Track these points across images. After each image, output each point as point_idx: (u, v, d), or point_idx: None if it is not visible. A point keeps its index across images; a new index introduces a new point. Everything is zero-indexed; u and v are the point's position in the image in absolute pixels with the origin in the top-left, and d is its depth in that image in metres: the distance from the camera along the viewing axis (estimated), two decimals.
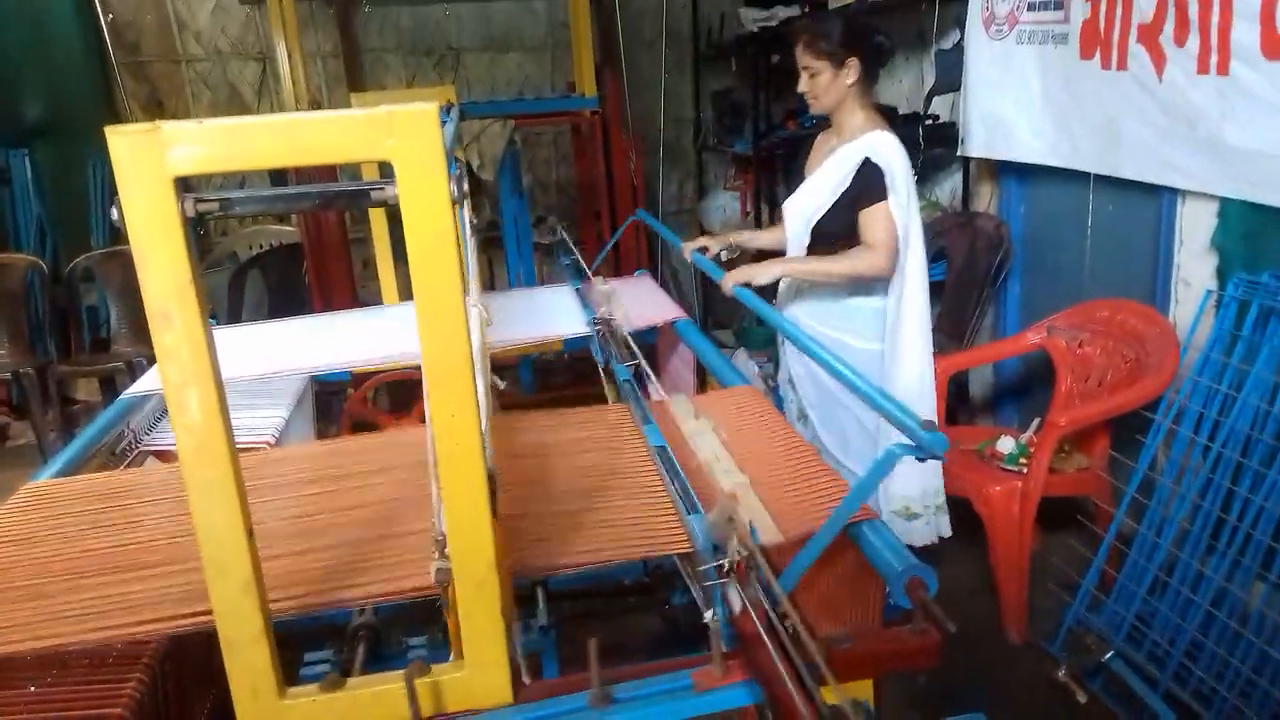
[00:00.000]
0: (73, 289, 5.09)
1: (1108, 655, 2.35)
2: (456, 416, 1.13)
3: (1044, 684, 2.44)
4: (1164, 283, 2.89)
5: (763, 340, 5.03)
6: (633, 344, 2.38)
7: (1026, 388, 3.80)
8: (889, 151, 2.44)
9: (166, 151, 0.99)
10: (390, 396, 3.99)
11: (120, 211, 1.01)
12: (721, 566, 1.32)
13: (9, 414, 5.30)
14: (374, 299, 5.28)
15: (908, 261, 2.47)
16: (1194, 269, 2.77)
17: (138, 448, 2.52)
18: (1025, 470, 2.68)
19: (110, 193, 5.62)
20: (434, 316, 1.10)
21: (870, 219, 2.44)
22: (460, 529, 1.18)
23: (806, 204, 2.56)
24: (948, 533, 2.57)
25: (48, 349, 5.11)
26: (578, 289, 3.33)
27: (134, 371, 4.68)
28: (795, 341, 2.05)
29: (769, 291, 2.72)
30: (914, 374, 2.50)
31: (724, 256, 2.85)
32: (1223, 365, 2.42)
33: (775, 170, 5.41)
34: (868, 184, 2.42)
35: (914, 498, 2.53)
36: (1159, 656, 2.35)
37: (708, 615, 1.31)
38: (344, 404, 3.64)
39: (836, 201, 2.47)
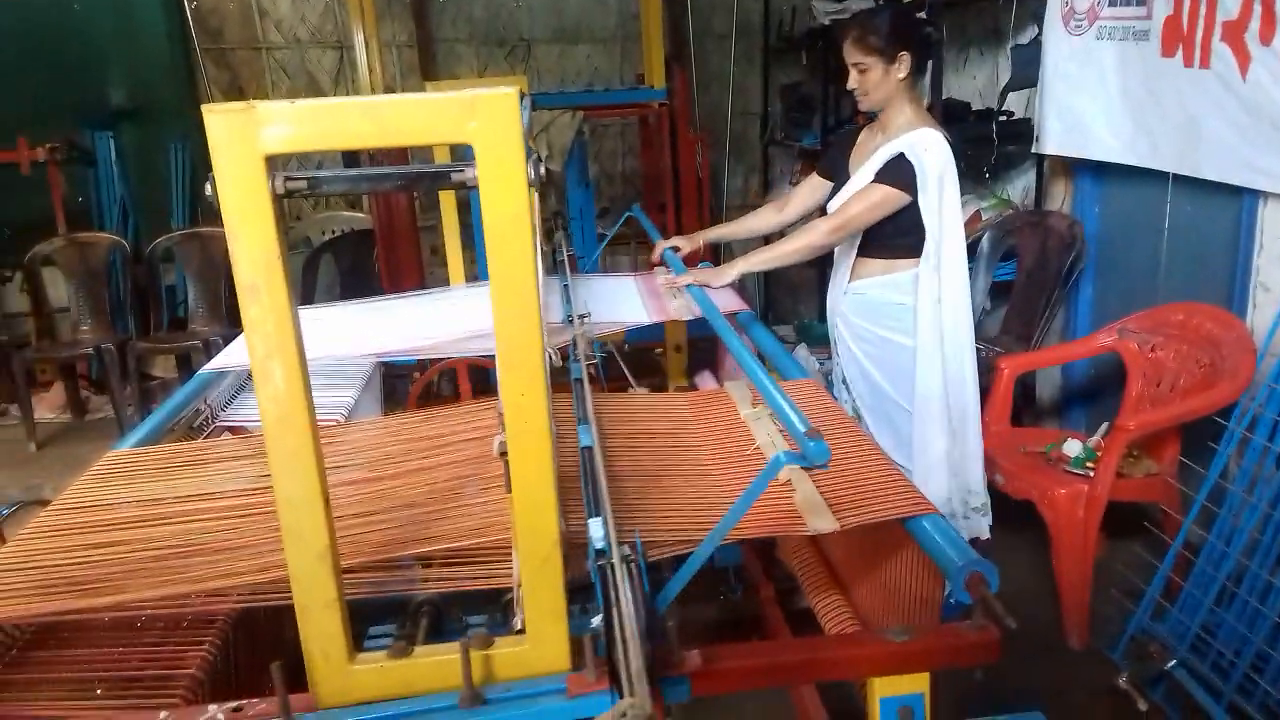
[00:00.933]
0: (153, 268, 5.25)
1: (1171, 664, 2.31)
2: (526, 396, 1.16)
3: (1104, 690, 2.40)
4: (1241, 287, 2.82)
5: (823, 336, 5.01)
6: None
7: (1095, 391, 3.74)
8: (930, 150, 2.41)
9: (259, 130, 1.03)
10: (452, 382, 4.05)
11: (214, 188, 1.05)
12: (603, 567, 1.29)
13: (88, 388, 5.49)
14: (441, 285, 5.38)
15: (942, 261, 2.44)
16: (1273, 273, 2.71)
17: (214, 423, 2.59)
18: (1092, 474, 2.64)
19: (190, 176, 5.84)
20: (507, 298, 1.12)
21: (859, 193, 2.47)
22: (526, 506, 1.20)
23: (844, 203, 2.55)
24: (986, 535, 2.54)
25: (127, 326, 5.28)
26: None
27: (209, 349, 4.82)
28: (725, 338, 2.07)
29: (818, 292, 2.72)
30: (964, 375, 2.48)
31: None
32: None
33: None
34: (888, 170, 2.43)
35: (941, 500, 2.51)
36: (1223, 667, 2.31)
37: (595, 620, 1.28)
38: (410, 388, 3.71)
39: None
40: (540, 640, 1.26)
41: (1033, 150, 3.69)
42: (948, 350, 2.43)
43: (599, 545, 1.29)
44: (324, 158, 5.02)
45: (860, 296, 2.60)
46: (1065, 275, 3.58)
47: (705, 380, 3.51)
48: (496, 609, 2.30)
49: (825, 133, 5.00)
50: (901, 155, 2.40)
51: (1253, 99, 2.63)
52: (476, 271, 3.90)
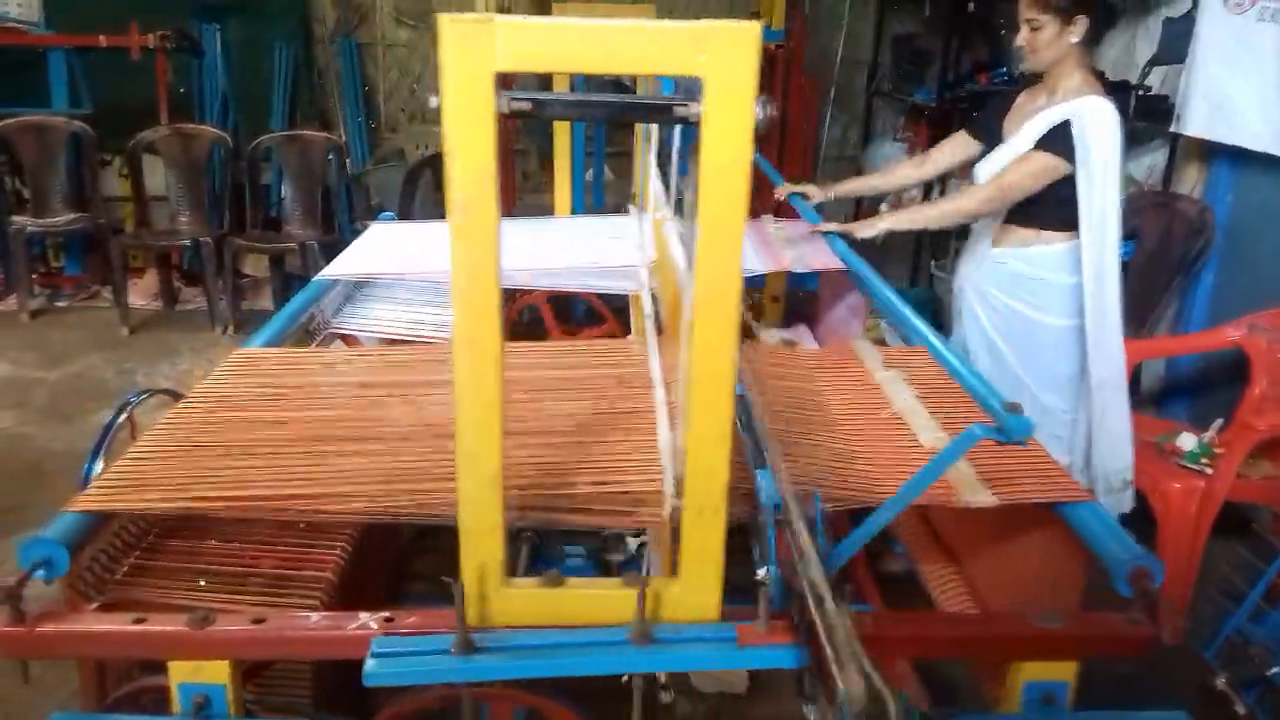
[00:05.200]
0: (252, 166, 5.28)
1: (1273, 670, 2.26)
2: (717, 342, 1.14)
3: (1199, 690, 2.36)
4: None
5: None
6: None
7: (1201, 385, 3.62)
8: (1098, 121, 2.31)
9: (493, 45, 1.01)
10: (533, 313, 4.01)
11: (440, 99, 1.03)
12: (779, 525, 1.27)
13: (180, 278, 5.58)
14: (529, 211, 5.35)
15: (1104, 241, 2.36)
16: None
17: (326, 329, 2.62)
18: (1209, 470, 2.56)
19: (291, 76, 5.83)
20: (715, 238, 1.09)
21: (1018, 160, 2.39)
22: (701, 453, 1.19)
23: (1001, 169, 2.47)
24: (1128, 508, 2.50)
25: (223, 221, 5.34)
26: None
27: (305, 253, 4.87)
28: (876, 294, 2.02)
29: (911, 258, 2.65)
30: (1111, 358, 2.41)
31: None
32: None
33: (956, 125, 5.20)
34: (1050, 137, 2.34)
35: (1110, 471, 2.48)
36: None
37: (760, 572, 1.28)
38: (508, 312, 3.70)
39: None
40: (695, 586, 1.26)
41: (1171, 129, 3.54)
42: (1098, 330, 2.36)
43: (774, 499, 1.27)
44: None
45: (1001, 266, 2.53)
46: (1188, 262, 3.46)
47: (802, 334, 3.47)
48: (594, 543, 2.32)
49: (942, 89, 4.84)
50: (1066, 123, 2.31)
51: None
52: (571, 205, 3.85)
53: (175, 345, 4.75)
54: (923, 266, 5.03)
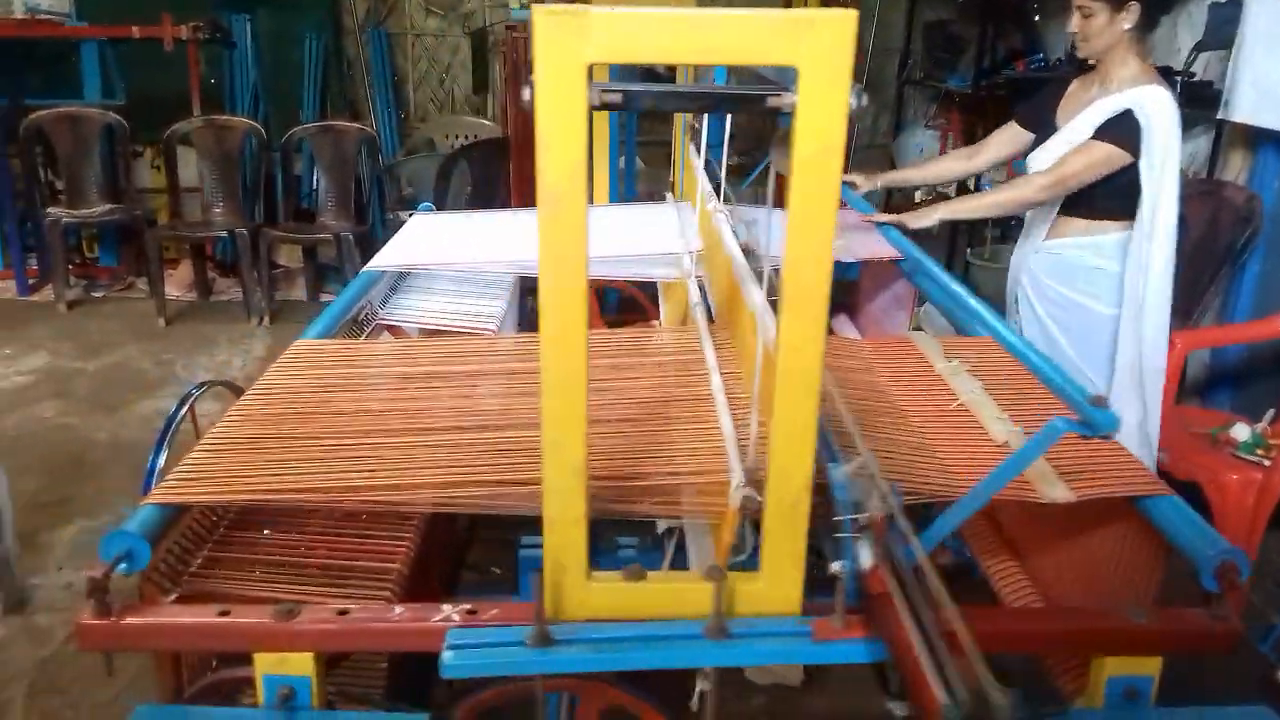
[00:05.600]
0: (287, 158, 5.30)
1: None
2: (806, 334, 1.13)
3: (1256, 681, 2.34)
4: None
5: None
6: None
7: (1247, 375, 3.59)
8: (1158, 110, 2.29)
9: (586, 36, 1.00)
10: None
11: (531, 93, 1.02)
12: (857, 521, 1.25)
13: (215, 269, 5.60)
14: None
15: (1155, 227, 2.33)
16: None
17: (375, 320, 2.62)
18: (1265, 461, 2.54)
19: (321, 67, 5.84)
20: (807, 232, 1.08)
21: (1078, 150, 2.36)
22: (785, 448, 1.18)
23: (1059, 156, 2.44)
24: None
25: (258, 212, 5.36)
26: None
27: (340, 244, 4.88)
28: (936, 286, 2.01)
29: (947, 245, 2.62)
30: (1155, 348, 2.38)
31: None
32: None
33: (990, 112, 5.15)
34: (1112, 127, 2.32)
35: None
36: None
37: (834, 566, 1.26)
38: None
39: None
40: (777, 580, 1.25)
41: (1218, 116, 3.49)
42: (1147, 321, 2.33)
43: (852, 493, 1.26)
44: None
45: (1056, 256, 2.51)
46: (1235, 251, 3.42)
47: (842, 325, 3.44)
48: (647, 535, 2.31)
49: (978, 77, 4.80)
50: (1129, 111, 2.29)
51: None
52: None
53: (212, 336, 4.77)
54: (959, 254, 4.99)
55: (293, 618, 1.21)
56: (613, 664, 1.23)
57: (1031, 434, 1.61)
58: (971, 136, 5.21)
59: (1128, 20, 2.29)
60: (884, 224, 2.56)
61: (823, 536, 1.32)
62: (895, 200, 5.47)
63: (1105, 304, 2.44)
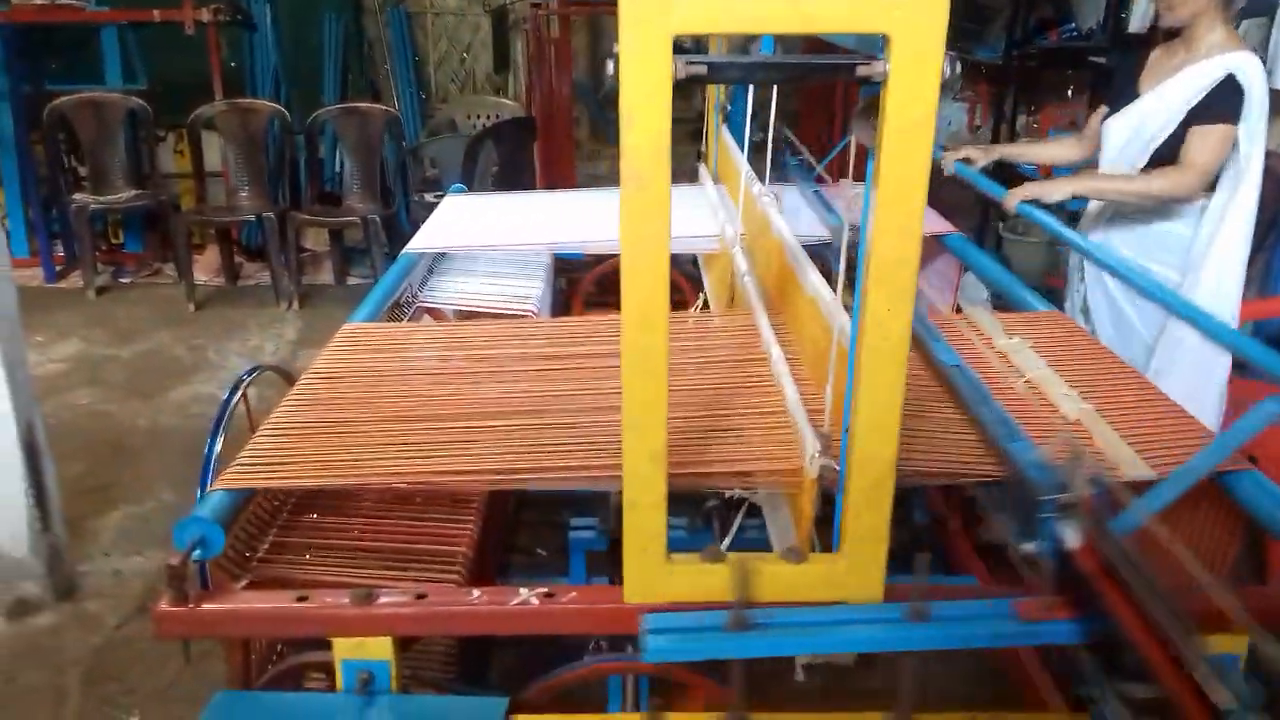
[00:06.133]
0: (311, 141, 5.28)
1: None
2: (893, 311, 1.10)
3: None
4: None
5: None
6: None
7: None
8: (1256, 75, 2.26)
9: (671, 8, 0.97)
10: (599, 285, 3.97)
11: (616, 67, 0.99)
12: (1063, 501, 1.25)
13: (241, 253, 5.60)
14: (588, 181, 5.31)
15: (1238, 194, 2.29)
16: None
17: (415, 303, 2.61)
18: None
19: (342, 49, 5.81)
20: (896, 201, 1.06)
21: (1200, 136, 2.29)
22: (869, 427, 1.16)
23: (1144, 123, 2.39)
24: None
25: (284, 195, 5.34)
26: (815, 191, 3.19)
27: (367, 227, 4.87)
28: (1105, 266, 1.97)
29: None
30: (1220, 314, 2.33)
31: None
32: None
33: (1022, 83, 5.06)
34: (1220, 101, 2.26)
35: None
36: None
37: (1027, 546, 1.26)
38: (577, 285, 3.68)
39: (1184, 120, 2.30)
40: (859, 562, 1.23)
41: None
42: (1220, 290, 2.30)
43: (1045, 472, 1.25)
44: None
45: (1138, 225, 2.46)
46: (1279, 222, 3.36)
47: None
48: (698, 514, 2.29)
49: (1009, 47, 4.72)
50: (1231, 77, 2.24)
51: None
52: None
53: (242, 321, 4.77)
54: (989, 228, 4.93)
55: (372, 602, 1.20)
56: (809, 648, 1.22)
57: (1103, 411, 1.59)
58: (1000, 109, 5.14)
59: None
60: (1025, 202, 2.46)
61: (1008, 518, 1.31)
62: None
63: (1174, 269, 2.39)
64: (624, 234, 1.06)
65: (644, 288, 1.08)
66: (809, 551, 1.29)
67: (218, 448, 1.76)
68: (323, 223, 5.19)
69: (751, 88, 2.64)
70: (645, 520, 1.19)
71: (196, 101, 5.23)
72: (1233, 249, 2.32)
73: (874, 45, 1.05)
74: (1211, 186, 2.32)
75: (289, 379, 1.99)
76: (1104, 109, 2.60)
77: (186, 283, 4.94)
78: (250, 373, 1.98)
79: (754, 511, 1.64)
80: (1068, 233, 2.36)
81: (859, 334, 1.13)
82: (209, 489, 1.38)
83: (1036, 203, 2.44)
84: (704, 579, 1.24)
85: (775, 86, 2.11)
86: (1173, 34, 2.39)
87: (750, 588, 1.19)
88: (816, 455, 1.29)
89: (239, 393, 1.88)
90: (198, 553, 1.25)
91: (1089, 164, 2.76)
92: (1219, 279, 2.34)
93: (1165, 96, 2.33)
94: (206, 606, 1.21)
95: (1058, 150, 2.87)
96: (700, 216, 2.83)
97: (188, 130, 5.20)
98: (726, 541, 1.71)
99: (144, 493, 3.07)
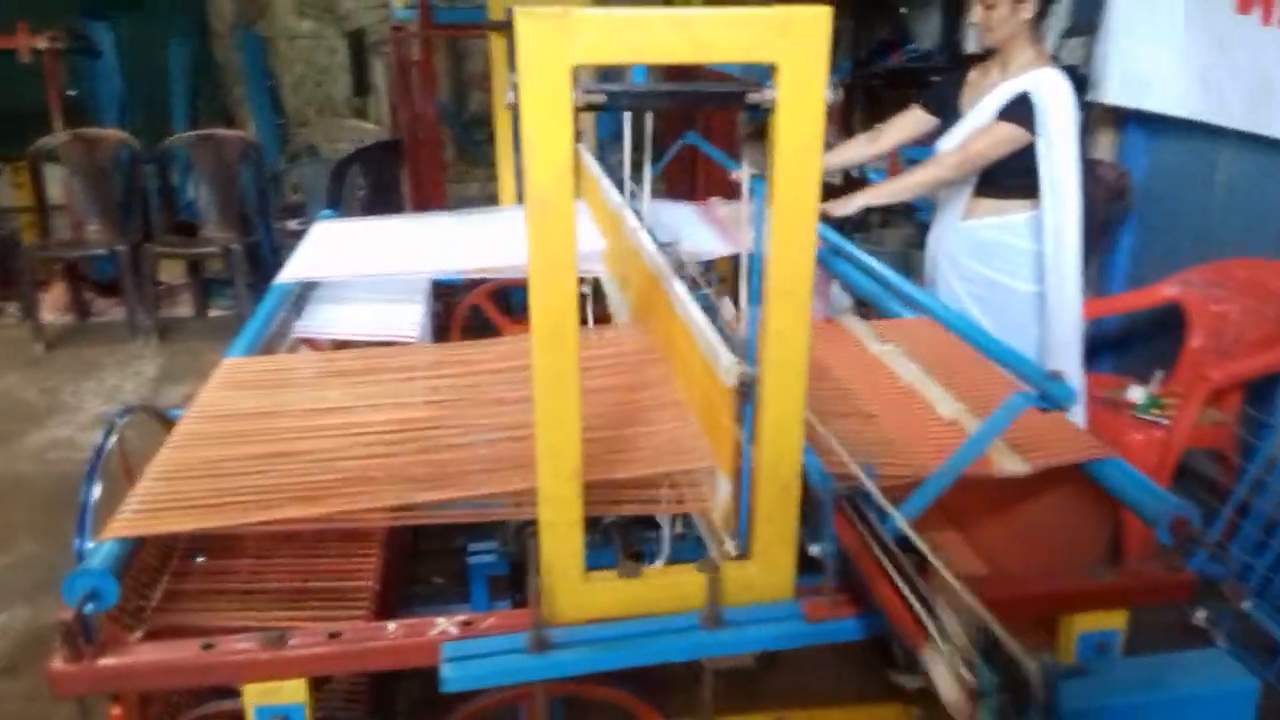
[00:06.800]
0: (163, 170, 5.07)
1: (1245, 603, 2.41)
2: (792, 324, 1.16)
3: (1179, 628, 2.49)
4: None
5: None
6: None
7: (1125, 340, 3.80)
8: (1053, 92, 2.42)
9: (571, 38, 1.00)
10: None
11: (515, 94, 1.01)
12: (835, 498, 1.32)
13: (92, 289, 5.32)
14: (459, 203, 5.26)
15: (1063, 207, 2.46)
16: None
17: (291, 333, 2.54)
18: (1163, 420, 2.71)
19: (192, 75, 5.61)
20: (790, 227, 1.11)
21: (982, 131, 2.48)
22: (775, 433, 1.20)
23: (965, 139, 2.55)
24: None
25: (137, 228, 5.11)
26: (684, 208, 3.24)
27: (228, 257, 4.71)
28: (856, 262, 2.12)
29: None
30: (1069, 320, 2.52)
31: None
32: None
33: (868, 102, 5.29)
34: (1010, 110, 2.44)
35: None
36: None
37: (815, 548, 1.32)
38: (456, 308, 3.65)
39: None
40: (770, 566, 1.28)
41: (1087, 98, 3.68)
42: (1058, 294, 2.46)
43: (825, 479, 1.30)
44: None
45: (971, 235, 2.62)
46: (1111, 225, 3.62)
47: None
48: (597, 531, 2.31)
49: (855, 67, 4.94)
50: (1025, 95, 2.41)
51: None
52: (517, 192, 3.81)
53: (97, 360, 4.54)
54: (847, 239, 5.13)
55: (284, 644, 1.18)
56: (610, 663, 1.23)
57: (976, 411, 1.69)
58: (849, 128, 5.36)
59: (1027, 10, 2.42)
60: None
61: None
62: None
63: (1022, 281, 2.57)
64: (532, 258, 1.08)
65: (553, 310, 1.10)
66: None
67: (95, 494, 1.68)
68: (180, 254, 5.00)
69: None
70: (563, 540, 1.21)
71: (35, 132, 4.96)
72: (1066, 254, 2.48)
73: (761, 73, 1.10)
74: (1031, 196, 2.48)
75: (161, 419, 1.92)
76: (916, 109, 2.80)
77: (33, 322, 4.67)
78: (122, 414, 1.90)
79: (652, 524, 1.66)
80: (848, 246, 2.50)
81: (761, 346, 1.18)
82: (98, 538, 1.32)
83: (827, 218, 2.57)
84: (625, 594, 1.26)
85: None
86: (991, 54, 2.57)
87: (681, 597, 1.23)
88: (733, 364, 1.25)
89: (112, 436, 1.80)
90: (90, 606, 1.20)
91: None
92: (1060, 282, 2.51)
93: (983, 112, 2.51)
94: (105, 661, 1.16)
95: (852, 151, 3.03)
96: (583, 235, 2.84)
97: (29, 162, 4.92)
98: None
99: (7, 543, 2.88)
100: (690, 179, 5.21)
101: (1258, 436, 2.68)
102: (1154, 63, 3.37)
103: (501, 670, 1.20)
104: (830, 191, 3.10)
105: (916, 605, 1.07)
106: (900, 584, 1.13)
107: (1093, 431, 2.68)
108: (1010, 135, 2.43)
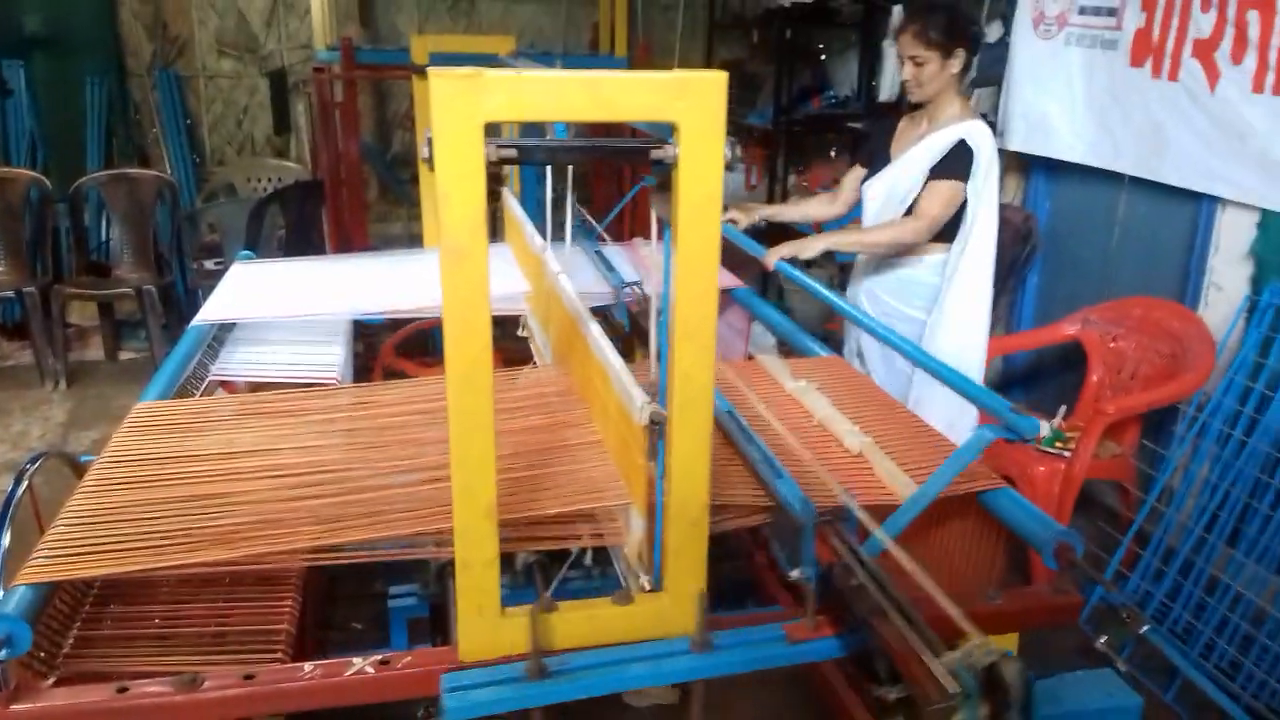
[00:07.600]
0: (76, 209, 4.97)
1: (1144, 628, 2.52)
2: (697, 364, 1.21)
3: (1080, 652, 2.58)
4: (1195, 285, 3.05)
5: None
6: None
7: (1032, 376, 3.97)
8: (983, 140, 2.57)
9: (483, 97, 1.05)
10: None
11: (431, 150, 1.06)
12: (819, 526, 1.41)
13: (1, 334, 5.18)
14: (381, 243, 5.26)
15: (969, 244, 2.58)
16: (1227, 274, 2.94)
17: (207, 377, 2.52)
18: (1066, 453, 2.83)
19: (106, 114, 5.52)
20: (693, 275, 1.17)
21: (933, 190, 2.58)
22: (683, 472, 1.26)
23: (895, 185, 2.66)
24: None
25: (46, 269, 4.99)
26: (597, 251, 3.27)
27: (142, 298, 4.63)
28: (855, 321, 2.21)
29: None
30: (955, 351, 2.60)
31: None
32: (1256, 365, 2.61)
33: (790, 148, 5.42)
34: (954, 161, 2.55)
35: None
36: (1178, 633, 2.54)
37: (794, 573, 1.40)
38: (378, 349, 3.65)
39: (926, 180, 2.59)
40: (680, 598, 1.32)
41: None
42: (968, 329, 2.57)
43: (807, 506, 1.37)
44: None
45: (892, 273, 2.73)
46: (1018, 266, 3.79)
47: None
48: (517, 571, 2.35)
49: (777, 113, 5.08)
50: (962, 142, 2.53)
51: (1220, 112, 2.84)
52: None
53: (3, 405, 4.41)
54: (773, 279, 5.26)
55: (198, 687, 1.18)
56: (609, 687, 1.28)
57: (879, 443, 1.77)
58: (773, 169, 5.50)
59: (955, 66, 2.55)
60: (781, 260, 2.63)
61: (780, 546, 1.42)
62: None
63: (924, 312, 2.68)
64: (447, 303, 1.12)
65: (467, 353, 1.14)
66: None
67: (5, 542, 1.65)
68: (91, 295, 4.88)
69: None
70: (479, 579, 1.24)
71: None
72: (973, 292, 2.61)
73: (666, 130, 1.17)
74: (950, 239, 2.60)
75: (73, 465, 1.89)
76: (858, 168, 2.89)
77: None
78: (34, 460, 1.87)
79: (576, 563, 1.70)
80: (822, 291, 2.57)
81: (669, 386, 1.23)
82: (10, 585, 1.31)
83: (794, 260, 2.65)
84: (540, 629, 1.29)
85: None
86: (918, 106, 2.69)
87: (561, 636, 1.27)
88: (645, 404, 1.29)
89: (24, 482, 1.77)
90: (3, 652, 1.19)
91: (855, 217, 3.05)
92: (961, 319, 2.62)
93: (912, 160, 2.62)
94: (18, 707, 1.15)
95: (813, 208, 3.13)
96: (504, 277, 2.88)
97: None
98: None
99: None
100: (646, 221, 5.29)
101: (1155, 468, 2.83)
102: (1055, 112, 3.57)
103: (501, 699, 1.22)
104: (787, 234, 3.19)
105: (899, 620, 1.13)
106: (883, 601, 1.21)
107: (994, 464, 2.80)
108: (955, 191, 2.55)
